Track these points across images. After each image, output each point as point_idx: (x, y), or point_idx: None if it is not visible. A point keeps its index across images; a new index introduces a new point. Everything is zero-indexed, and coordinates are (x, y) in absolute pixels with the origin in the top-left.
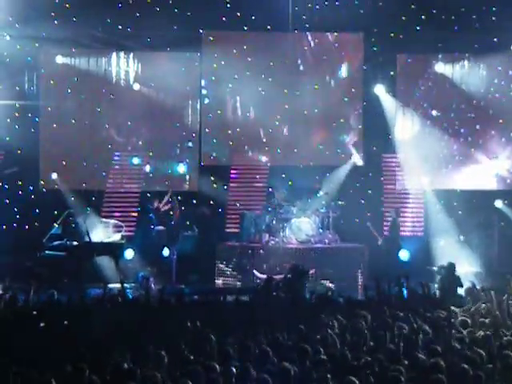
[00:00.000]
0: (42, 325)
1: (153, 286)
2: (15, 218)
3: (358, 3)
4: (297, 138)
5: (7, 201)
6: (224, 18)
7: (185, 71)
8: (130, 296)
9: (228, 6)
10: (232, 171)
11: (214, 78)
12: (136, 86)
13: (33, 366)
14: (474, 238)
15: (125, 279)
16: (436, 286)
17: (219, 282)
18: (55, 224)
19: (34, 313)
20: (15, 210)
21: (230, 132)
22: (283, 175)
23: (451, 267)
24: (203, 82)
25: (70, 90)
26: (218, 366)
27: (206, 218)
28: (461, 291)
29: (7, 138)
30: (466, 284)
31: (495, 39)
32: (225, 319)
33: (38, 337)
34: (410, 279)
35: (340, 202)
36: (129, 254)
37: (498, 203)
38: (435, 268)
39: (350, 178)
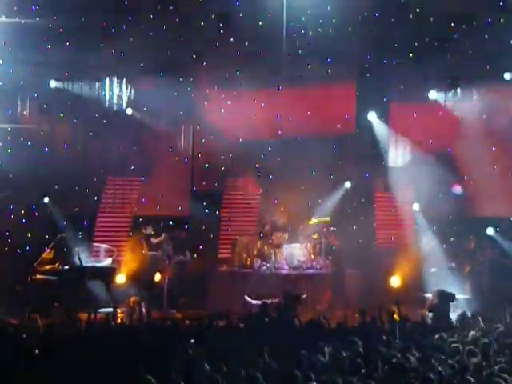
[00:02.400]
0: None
1: (143, 310)
2: (7, 242)
3: (351, 29)
4: (289, 163)
5: None
6: (217, 44)
7: (177, 96)
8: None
9: (221, 31)
10: (225, 196)
11: (206, 102)
12: (129, 111)
13: None
14: (465, 264)
15: (116, 304)
16: (428, 313)
17: (211, 307)
18: (47, 248)
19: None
20: (7, 233)
21: (222, 157)
22: (275, 201)
23: (446, 295)
24: (196, 107)
25: (62, 115)
26: None
27: (181, 241)
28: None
29: (0, 162)
30: (458, 311)
31: (488, 67)
32: (216, 344)
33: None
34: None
35: (332, 228)
36: (120, 278)
37: (490, 230)
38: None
39: (342, 204)
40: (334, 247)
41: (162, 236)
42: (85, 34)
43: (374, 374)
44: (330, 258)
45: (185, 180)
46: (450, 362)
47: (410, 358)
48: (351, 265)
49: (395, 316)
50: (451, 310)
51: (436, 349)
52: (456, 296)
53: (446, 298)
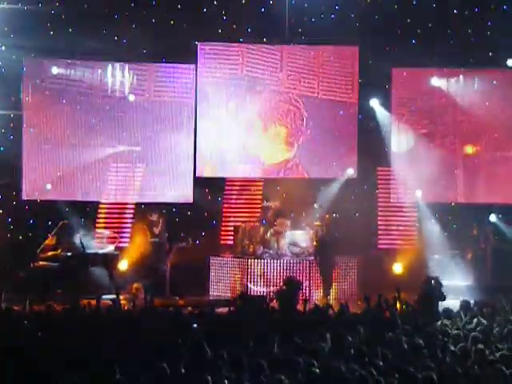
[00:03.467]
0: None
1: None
2: (9, 229)
3: (353, 16)
4: (291, 150)
5: (1, 211)
6: (220, 30)
7: (180, 82)
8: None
9: (224, 18)
10: (227, 183)
11: (209, 89)
12: (131, 97)
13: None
14: (467, 251)
15: (119, 290)
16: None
17: (213, 294)
18: (49, 235)
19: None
20: (9, 220)
21: (225, 143)
22: (278, 187)
23: (435, 281)
24: (199, 94)
25: (64, 101)
26: (210, 378)
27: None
28: (443, 305)
29: (1, 148)
30: (460, 298)
31: (490, 54)
32: (218, 331)
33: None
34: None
35: (334, 215)
36: (123, 265)
37: (493, 217)
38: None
39: (344, 190)
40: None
41: (160, 223)
42: (87, 20)
43: (376, 361)
44: (315, 245)
45: (187, 167)
46: (452, 348)
47: (413, 344)
48: (353, 252)
49: (397, 303)
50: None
51: (438, 336)
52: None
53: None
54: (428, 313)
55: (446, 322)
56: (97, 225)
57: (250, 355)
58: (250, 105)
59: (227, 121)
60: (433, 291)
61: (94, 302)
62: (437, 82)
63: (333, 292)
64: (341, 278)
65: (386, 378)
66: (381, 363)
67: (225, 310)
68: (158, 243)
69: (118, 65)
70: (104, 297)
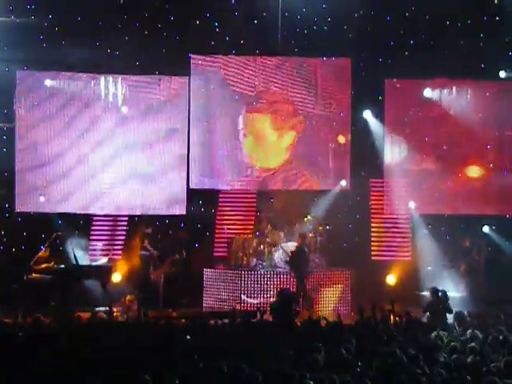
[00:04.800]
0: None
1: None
2: (2, 241)
3: (346, 28)
4: (284, 162)
5: None
6: (213, 42)
7: (173, 94)
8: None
9: (217, 30)
10: (220, 195)
11: (202, 101)
12: (124, 109)
13: None
14: (461, 263)
15: (112, 302)
16: (424, 311)
17: (207, 306)
18: (42, 247)
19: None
20: (2, 232)
21: (218, 155)
22: (271, 199)
23: (442, 294)
24: (192, 106)
25: (57, 113)
26: None
27: (183, 242)
28: (450, 317)
29: None
30: (454, 309)
31: (483, 65)
32: (213, 344)
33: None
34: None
35: (328, 227)
36: (116, 277)
37: (486, 228)
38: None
39: (337, 202)
40: (330, 245)
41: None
42: (80, 33)
43: (369, 372)
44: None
45: (181, 178)
46: (446, 360)
47: (406, 356)
48: (346, 263)
49: (390, 314)
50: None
51: (432, 347)
52: (448, 293)
53: (440, 295)
54: (435, 324)
55: (441, 333)
56: (90, 237)
57: (244, 367)
58: (243, 116)
59: (220, 132)
60: (441, 304)
61: (87, 314)
62: (430, 93)
63: (313, 302)
64: (334, 290)
65: None
66: (374, 374)
67: (218, 321)
68: (146, 256)
69: (110, 77)
70: (97, 309)
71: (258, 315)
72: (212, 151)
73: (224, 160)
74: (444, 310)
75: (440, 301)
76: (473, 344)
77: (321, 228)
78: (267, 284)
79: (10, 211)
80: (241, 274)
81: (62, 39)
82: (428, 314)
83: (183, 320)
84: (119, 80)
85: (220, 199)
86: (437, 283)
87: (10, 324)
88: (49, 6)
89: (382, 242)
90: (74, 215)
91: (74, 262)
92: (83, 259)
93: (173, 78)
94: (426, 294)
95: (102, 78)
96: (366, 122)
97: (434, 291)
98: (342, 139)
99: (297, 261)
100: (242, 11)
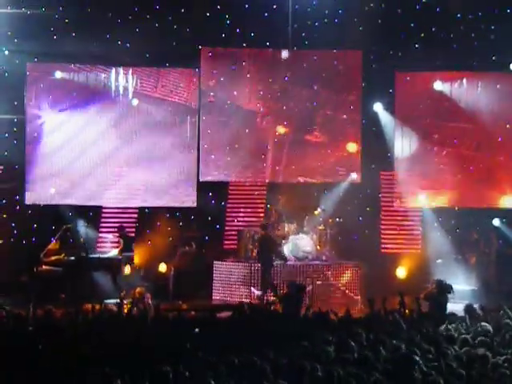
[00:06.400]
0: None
1: (149, 302)
2: (12, 233)
3: (357, 21)
4: (295, 154)
5: (4, 216)
6: (223, 35)
7: (183, 87)
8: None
9: (227, 22)
10: (230, 187)
11: (212, 93)
12: (135, 102)
13: None
14: (471, 256)
15: (122, 295)
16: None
17: (217, 298)
18: (53, 239)
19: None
20: (13, 224)
21: (228, 148)
22: (281, 192)
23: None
24: (202, 98)
25: (67, 105)
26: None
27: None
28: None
29: (5, 153)
30: (464, 302)
31: (493, 57)
32: (222, 336)
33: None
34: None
35: (338, 219)
36: (126, 269)
37: (496, 221)
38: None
39: (348, 195)
40: (340, 238)
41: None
42: (90, 25)
43: (379, 365)
44: (256, 245)
45: (191, 171)
46: (456, 353)
47: (416, 349)
48: (356, 256)
49: (400, 307)
50: (448, 300)
51: (442, 340)
52: (453, 288)
53: (443, 288)
54: (436, 316)
55: (450, 326)
56: (100, 229)
57: (253, 360)
58: (253, 107)
59: (230, 124)
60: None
61: (97, 306)
62: (440, 86)
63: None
64: (343, 282)
65: (390, 382)
66: (383, 367)
67: (228, 314)
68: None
69: (121, 69)
70: (107, 301)
71: (268, 307)
72: (223, 143)
73: (234, 152)
74: (445, 301)
75: (442, 292)
76: (483, 337)
77: (331, 221)
78: (277, 276)
79: (20, 203)
80: (251, 267)
81: (72, 31)
82: (428, 304)
83: (193, 312)
84: (130, 72)
85: (230, 191)
86: (447, 276)
87: (23, 316)
88: None
89: (392, 234)
90: (84, 207)
91: (84, 254)
92: (93, 251)
93: (183, 70)
94: (430, 285)
95: (113, 70)
96: (376, 114)
97: (439, 283)
98: (352, 147)
99: (261, 251)
100: (253, 4)
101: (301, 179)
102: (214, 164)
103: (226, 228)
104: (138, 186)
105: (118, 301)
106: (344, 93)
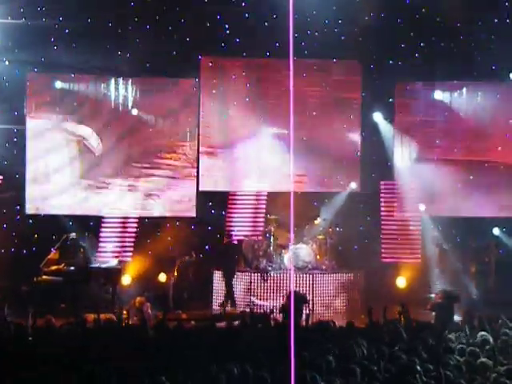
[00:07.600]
0: None
1: (149, 311)
2: (13, 243)
3: (357, 30)
4: (295, 164)
5: (4, 225)
6: (223, 44)
7: (183, 97)
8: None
9: (227, 31)
10: (230, 197)
11: (212, 103)
12: (134, 112)
13: None
14: (471, 265)
15: (122, 305)
16: (433, 313)
17: (216, 308)
18: (53, 249)
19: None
20: (13, 234)
21: (228, 158)
22: (281, 201)
23: (451, 295)
24: (202, 108)
25: (67, 116)
26: None
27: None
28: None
29: (5, 162)
30: (464, 312)
31: (493, 67)
32: (222, 345)
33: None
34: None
35: (338, 229)
36: (126, 279)
37: (496, 230)
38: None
39: (348, 204)
40: (340, 248)
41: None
42: (90, 35)
43: (379, 375)
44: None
45: (191, 180)
46: (457, 362)
47: (416, 359)
48: (357, 265)
49: (401, 317)
50: (455, 310)
51: (443, 350)
52: (460, 297)
53: (450, 298)
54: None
55: (451, 335)
56: (100, 239)
57: (253, 369)
58: (254, 115)
59: (230, 134)
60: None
61: (97, 316)
62: (440, 95)
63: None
64: (344, 292)
65: None
66: (384, 377)
67: (228, 324)
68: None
69: (121, 79)
70: (106, 312)
71: (268, 317)
72: (223, 153)
73: (235, 161)
74: (451, 311)
75: (449, 303)
76: (483, 346)
77: (331, 230)
78: (277, 286)
79: (21, 213)
80: (251, 276)
81: (72, 42)
82: (434, 314)
83: (193, 322)
84: (129, 82)
85: (229, 201)
86: (447, 285)
87: (23, 326)
88: (60, 9)
89: (392, 244)
90: (84, 217)
91: (85, 264)
92: (93, 261)
93: (183, 79)
94: (435, 295)
95: (113, 81)
96: (376, 124)
97: (445, 293)
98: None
99: (223, 260)
100: (253, 13)
101: (300, 188)
102: (214, 173)
103: (226, 237)
104: (137, 196)
105: (118, 311)
106: (344, 102)
